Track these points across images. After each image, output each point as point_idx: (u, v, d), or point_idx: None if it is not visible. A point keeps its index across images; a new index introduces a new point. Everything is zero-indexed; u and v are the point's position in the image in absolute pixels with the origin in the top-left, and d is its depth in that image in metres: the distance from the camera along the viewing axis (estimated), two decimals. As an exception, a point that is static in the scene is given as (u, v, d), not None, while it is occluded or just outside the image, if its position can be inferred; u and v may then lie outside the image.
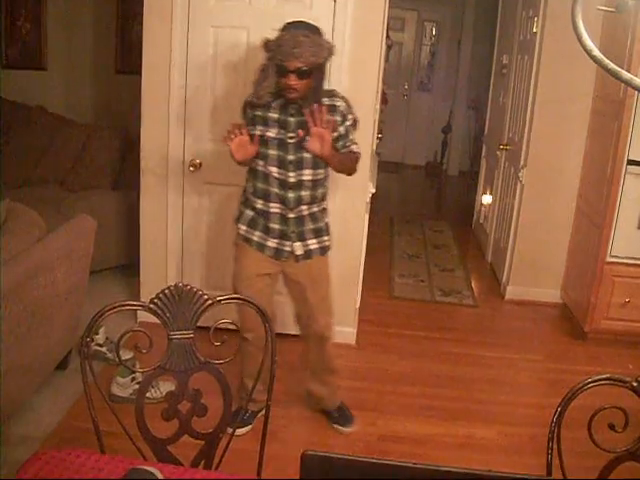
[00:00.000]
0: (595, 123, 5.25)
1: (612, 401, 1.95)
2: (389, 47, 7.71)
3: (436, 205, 9.97)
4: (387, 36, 4.57)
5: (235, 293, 3.33)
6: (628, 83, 1.31)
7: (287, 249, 3.41)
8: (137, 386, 3.72)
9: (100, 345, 4.16)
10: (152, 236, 4.66)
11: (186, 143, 4.46)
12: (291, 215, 3.36)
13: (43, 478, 1.84)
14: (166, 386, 3.43)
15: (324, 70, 3.23)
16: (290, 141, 3.26)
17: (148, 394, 2.24)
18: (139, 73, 4.43)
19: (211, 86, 4.37)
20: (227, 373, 2.23)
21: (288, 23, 3.18)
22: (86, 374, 2.12)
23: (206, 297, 2.14)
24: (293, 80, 3.09)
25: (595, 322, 4.97)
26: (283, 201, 3.34)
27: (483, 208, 7.47)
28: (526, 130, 5.59)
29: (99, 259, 4.70)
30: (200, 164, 4.44)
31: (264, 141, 3.29)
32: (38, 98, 6.49)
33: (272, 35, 3.92)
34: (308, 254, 3.44)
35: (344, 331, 4.57)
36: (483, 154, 7.76)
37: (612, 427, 1.97)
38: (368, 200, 4.55)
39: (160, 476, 1.78)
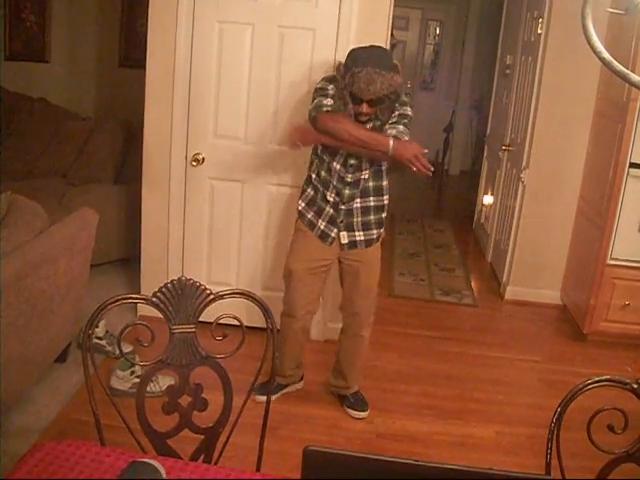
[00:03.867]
0: (598, 125, 5.25)
1: (611, 403, 1.95)
2: (393, 46, 7.70)
3: (437, 204, 9.97)
4: (391, 35, 4.56)
5: (287, 275, 3.74)
6: (636, 85, 1.31)
7: (332, 235, 3.67)
8: (136, 379, 3.73)
9: (100, 338, 4.16)
10: (154, 230, 4.66)
11: (189, 137, 4.46)
12: (342, 207, 3.63)
13: (42, 470, 1.84)
14: (166, 380, 3.44)
15: (397, 93, 3.44)
16: None
17: (147, 388, 2.24)
18: (143, 67, 4.43)
19: (215, 81, 4.36)
20: (228, 368, 2.23)
21: (361, 52, 3.39)
22: (87, 367, 2.12)
23: (208, 291, 2.14)
24: (365, 108, 3.39)
25: (594, 324, 4.98)
26: (339, 193, 3.62)
27: (484, 208, 7.47)
28: (529, 131, 5.59)
29: (100, 252, 4.72)
30: (203, 159, 4.44)
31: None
32: (41, 90, 6.49)
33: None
34: (353, 244, 3.70)
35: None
36: (485, 154, 7.77)
37: (611, 428, 1.97)
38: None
39: (162, 469, 1.78)
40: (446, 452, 3.64)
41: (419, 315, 5.46)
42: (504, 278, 5.95)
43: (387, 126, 3.46)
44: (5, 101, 6.23)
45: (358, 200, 3.63)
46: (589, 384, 1.96)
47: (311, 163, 3.75)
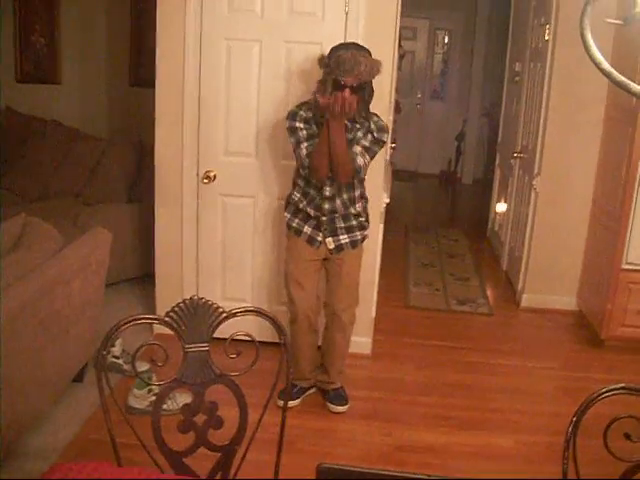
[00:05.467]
0: (608, 130, 5.24)
1: (628, 409, 1.94)
2: (401, 56, 7.73)
3: (451, 214, 9.96)
4: (399, 45, 4.58)
5: (286, 280, 4.00)
6: (638, 95, 1.31)
7: (319, 239, 3.83)
8: (154, 398, 3.73)
9: (117, 357, 4.17)
10: (167, 248, 4.68)
11: (200, 155, 4.49)
12: (324, 218, 3.80)
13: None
14: (183, 397, 3.44)
15: (372, 87, 3.61)
16: None
17: (164, 406, 2.25)
18: (153, 86, 4.46)
19: (225, 98, 4.39)
20: (243, 384, 2.23)
21: (343, 44, 3.60)
22: (103, 387, 2.13)
23: (221, 310, 2.15)
24: (348, 94, 3.42)
25: (611, 329, 4.95)
26: (319, 208, 3.78)
27: (497, 216, 7.45)
28: (540, 138, 5.58)
29: (115, 271, 4.74)
30: (215, 176, 4.46)
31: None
32: (53, 112, 6.54)
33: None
34: (339, 247, 3.86)
35: (360, 341, 4.57)
36: (497, 162, 7.75)
37: (628, 436, 1.96)
38: (382, 210, 4.55)
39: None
40: (465, 463, 3.62)
41: (435, 325, 5.45)
42: (519, 286, 5.93)
43: (355, 148, 3.63)
44: (18, 123, 6.28)
45: (338, 213, 3.80)
46: (604, 392, 1.95)
47: (294, 178, 3.91)
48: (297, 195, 3.86)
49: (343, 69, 3.40)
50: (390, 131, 4.00)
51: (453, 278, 6.61)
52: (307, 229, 3.84)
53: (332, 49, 3.54)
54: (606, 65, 1.27)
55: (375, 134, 3.65)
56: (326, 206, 3.75)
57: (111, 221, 5.14)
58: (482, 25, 10.81)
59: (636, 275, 4.84)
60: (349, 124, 3.62)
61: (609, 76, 1.28)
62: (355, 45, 3.56)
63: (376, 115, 3.71)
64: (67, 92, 6.91)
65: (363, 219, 3.92)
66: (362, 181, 3.84)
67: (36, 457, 3.32)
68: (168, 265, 4.71)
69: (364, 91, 3.54)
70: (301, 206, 3.83)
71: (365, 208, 3.94)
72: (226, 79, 4.36)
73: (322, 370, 4.17)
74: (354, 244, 3.88)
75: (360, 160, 3.62)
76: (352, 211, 3.83)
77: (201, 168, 4.49)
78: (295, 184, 3.89)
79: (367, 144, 3.64)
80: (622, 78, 1.26)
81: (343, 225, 3.83)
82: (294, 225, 3.89)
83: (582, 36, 1.26)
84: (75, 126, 6.50)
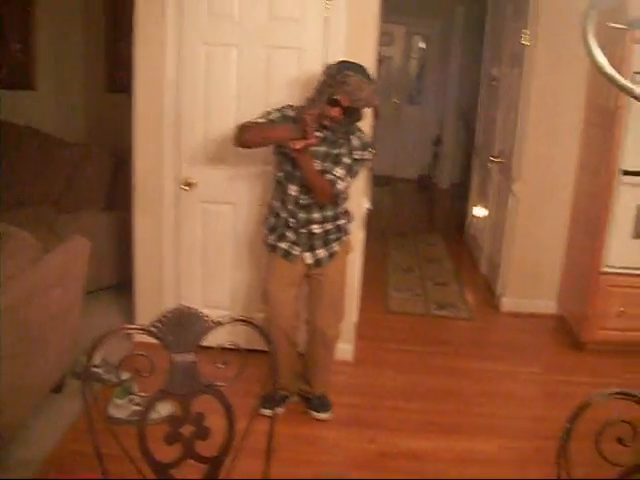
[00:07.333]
0: (588, 134, 5.26)
1: (619, 413, 1.93)
2: (380, 62, 7.72)
3: (428, 218, 9.97)
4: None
5: (263, 295, 3.86)
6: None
7: (295, 253, 3.77)
8: (135, 407, 3.69)
9: (96, 366, 4.11)
10: (146, 256, 4.63)
11: (180, 161, 4.44)
12: (302, 230, 3.74)
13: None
14: (165, 408, 3.40)
15: (362, 113, 3.64)
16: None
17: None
18: (130, 91, 4.41)
19: (204, 103, 4.35)
20: (229, 392, 2.20)
21: (353, 64, 3.56)
22: (87, 397, 2.09)
23: (208, 319, 2.11)
24: (335, 112, 3.49)
25: (592, 332, 4.97)
26: (294, 217, 3.72)
27: (475, 220, 7.46)
28: (518, 142, 5.59)
29: (93, 279, 4.67)
30: (194, 183, 4.42)
31: (293, 162, 3.61)
32: (29, 118, 6.45)
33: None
34: (318, 262, 3.79)
35: (341, 347, 4.53)
36: (474, 166, 7.76)
37: (620, 441, 1.95)
38: (364, 216, 4.53)
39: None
40: (449, 468, 3.62)
41: (416, 330, 5.44)
42: (499, 290, 5.94)
43: (335, 168, 3.60)
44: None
45: (316, 226, 3.73)
46: (597, 397, 1.94)
47: (274, 189, 3.87)
48: (274, 206, 3.83)
49: (345, 89, 3.42)
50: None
51: (432, 283, 6.60)
52: (283, 244, 3.78)
53: (341, 64, 3.55)
54: (609, 69, 1.25)
55: (360, 152, 3.64)
56: (301, 215, 3.71)
57: (89, 229, 5.08)
58: (458, 30, 10.82)
59: (615, 278, 4.86)
60: (330, 136, 3.60)
61: (612, 80, 1.27)
62: (363, 70, 3.54)
63: (360, 130, 3.70)
64: (43, 98, 6.82)
65: (344, 231, 3.87)
66: (345, 198, 3.81)
67: (17, 469, 3.27)
68: (147, 273, 4.66)
69: (354, 112, 3.55)
70: (281, 218, 3.77)
71: (347, 223, 3.89)
72: (205, 84, 4.33)
73: (304, 381, 4.14)
74: (332, 256, 3.81)
75: (341, 184, 3.61)
76: (330, 227, 3.78)
77: (181, 175, 4.45)
78: (273, 195, 3.87)
79: (350, 162, 3.61)
80: (625, 82, 1.25)
81: (321, 241, 3.77)
82: (269, 242, 3.85)
83: (585, 40, 1.24)
84: (51, 132, 6.41)
